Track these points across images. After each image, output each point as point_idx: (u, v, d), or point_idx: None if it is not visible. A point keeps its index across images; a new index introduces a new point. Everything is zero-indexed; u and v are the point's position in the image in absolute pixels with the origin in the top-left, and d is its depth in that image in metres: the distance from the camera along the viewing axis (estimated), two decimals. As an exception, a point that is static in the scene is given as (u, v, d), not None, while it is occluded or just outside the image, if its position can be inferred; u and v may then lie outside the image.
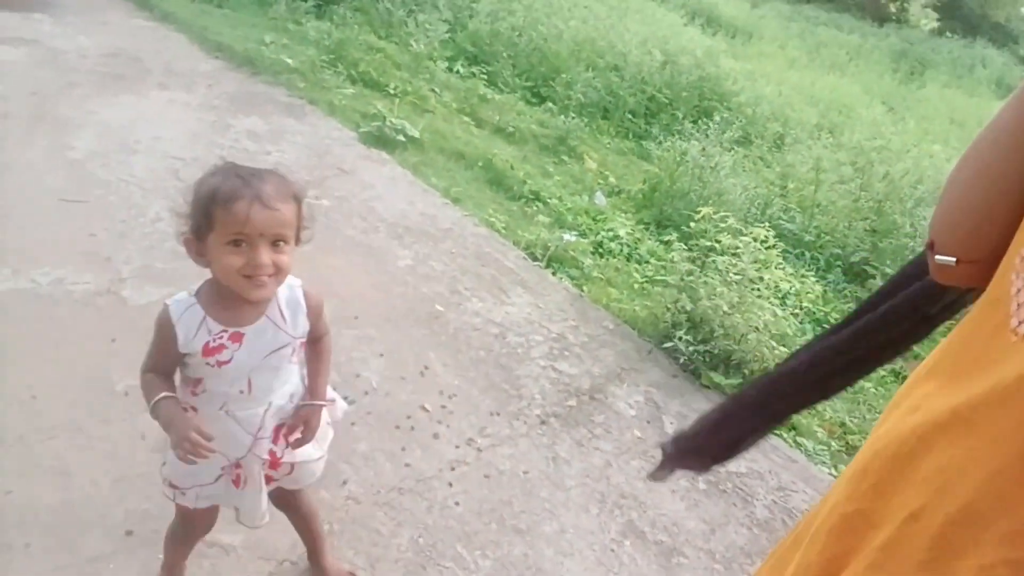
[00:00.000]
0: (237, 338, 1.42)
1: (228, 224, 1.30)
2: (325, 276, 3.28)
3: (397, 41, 7.31)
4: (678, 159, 5.27)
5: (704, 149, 5.13)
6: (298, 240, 1.42)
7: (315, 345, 1.61)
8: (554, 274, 3.82)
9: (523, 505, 2.39)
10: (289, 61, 5.61)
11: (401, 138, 4.83)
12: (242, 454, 1.54)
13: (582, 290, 3.73)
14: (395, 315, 3.15)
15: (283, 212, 1.33)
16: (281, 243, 1.35)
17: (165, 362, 1.45)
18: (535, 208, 4.64)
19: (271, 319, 1.46)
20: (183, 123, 4.39)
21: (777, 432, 3.05)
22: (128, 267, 3.03)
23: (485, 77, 7.25)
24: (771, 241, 3.47)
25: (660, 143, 6.88)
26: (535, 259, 3.88)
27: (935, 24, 25.02)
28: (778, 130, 8.21)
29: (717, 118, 6.78)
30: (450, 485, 2.39)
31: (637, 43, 9.25)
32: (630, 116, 8.08)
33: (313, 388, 1.62)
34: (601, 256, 4.33)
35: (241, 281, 1.34)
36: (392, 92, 5.77)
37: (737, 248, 3.37)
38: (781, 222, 5.33)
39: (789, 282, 3.39)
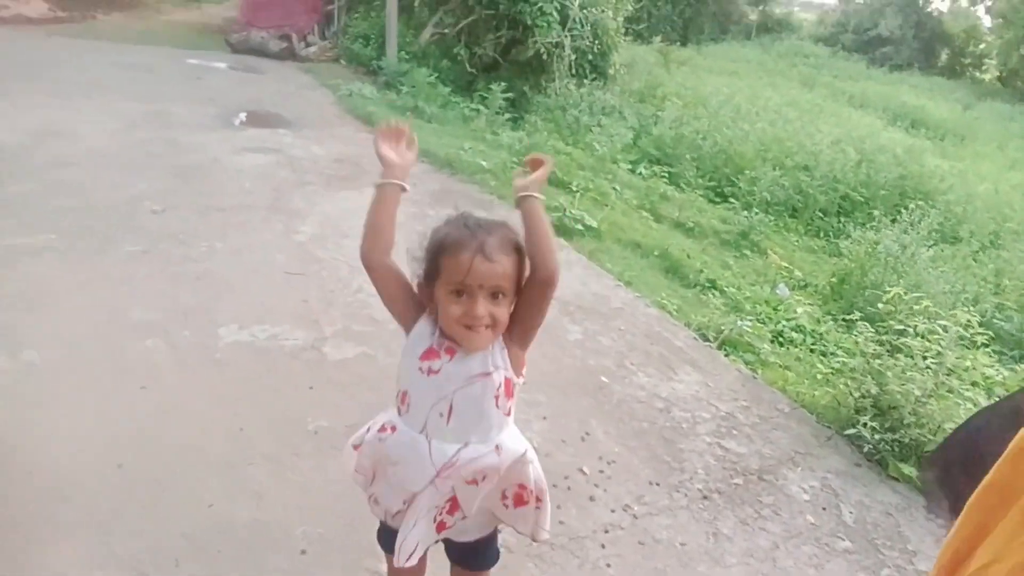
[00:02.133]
0: (451, 352, 1.45)
1: (451, 273, 1.36)
2: (498, 345, 3.46)
3: (582, 146, 7.76)
4: (870, 249, 4.99)
5: (898, 238, 4.82)
6: (519, 291, 1.42)
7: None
8: (727, 356, 3.72)
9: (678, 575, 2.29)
10: (483, 163, 6.16)
11: (579, 227, 5.06)
12: (419, 488, 1.49)
13: (756, 373, 3.59)
14: (562, 383, 3.23)
15: (502, 265, 1.35)
16: (500, 295, 1.37)
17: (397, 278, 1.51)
18: (711, 295, 4.60)
19: (487, 354, 1.47)
20: (388, 214, 4.95)
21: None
22: (331, 328, 3.43)
23: (666, 177, 7.42)
24: (976, 327, 3.16)
25: (852, 241, 6.57)
26: (707, 340, 3.82)
27: None
28: (993, 228, 7.49)
29: (914, 206, 6.34)
30: (603, 547, 2.36)
31: (829, 143, 9.03)
32: (820, 214, 7.82)
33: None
34: (781, 344, 4.16)
35: (460, 330, 1.39)
36: (574, 189, 6.09)
37: (934, 332, 3.11)
38: (995, 320, 4.80)
39: (996, 369, 3.04)
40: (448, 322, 1.40)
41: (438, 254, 1.39)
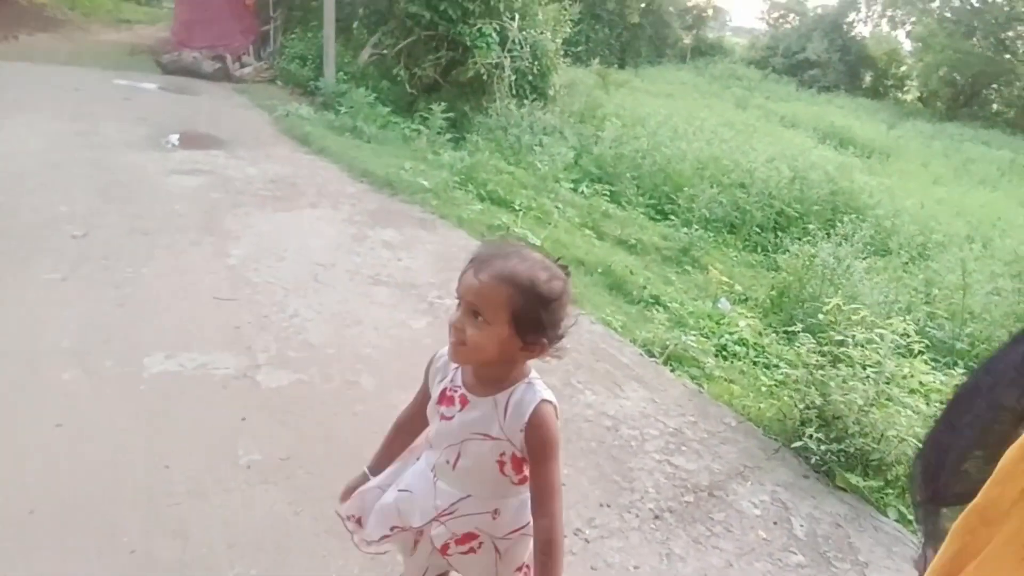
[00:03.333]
0: (464, 402, 1.42)
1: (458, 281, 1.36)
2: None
3: (524, 166, 7.76)
4: (807, 262, 5.08)
5: (834, 251, 4.92)
6: (525, 335, 1.32)
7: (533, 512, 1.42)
8: (672, 371, 3.70)
9: (632, 601, 2.22)
10: (424, 183, 6.07)
11: (523, 246, 5.01)
12: (417, 524, 1.48)
13: (701, 387, 3.58)
14: (507, 405, 3.14)
15: (485, 286, 1.29)
16: (478, 316, 1.31)
17: (422, 400, 1.54)
18: (654, 311, 4.59)
19: (496, 403, 1.39)
20: (327, 235, 4.81)
21: (929, 544, 2.69)
22: (264, 354, 3.26)
23: (608, 195, 7.47)
24: (912, 335, 3.21)
25: (788, 253, 6.71)
26: (652, 356, 3.80)
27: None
28: (921, 241, 7.77)
29: (847, 220, 6.53)
30: (554, 574, 2.27)
31: (763, 161, 9.27)
32: (757, 230, 7.98)
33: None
34: (724, 358, 4.17)
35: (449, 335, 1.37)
36: (517, 208, 6.06)
37: (872, 342, 3.14)
38: (928, 328, 4.93)
39: (933, 376, 3.09)
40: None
41: None
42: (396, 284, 4.20)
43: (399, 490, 1.53)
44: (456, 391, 1.43)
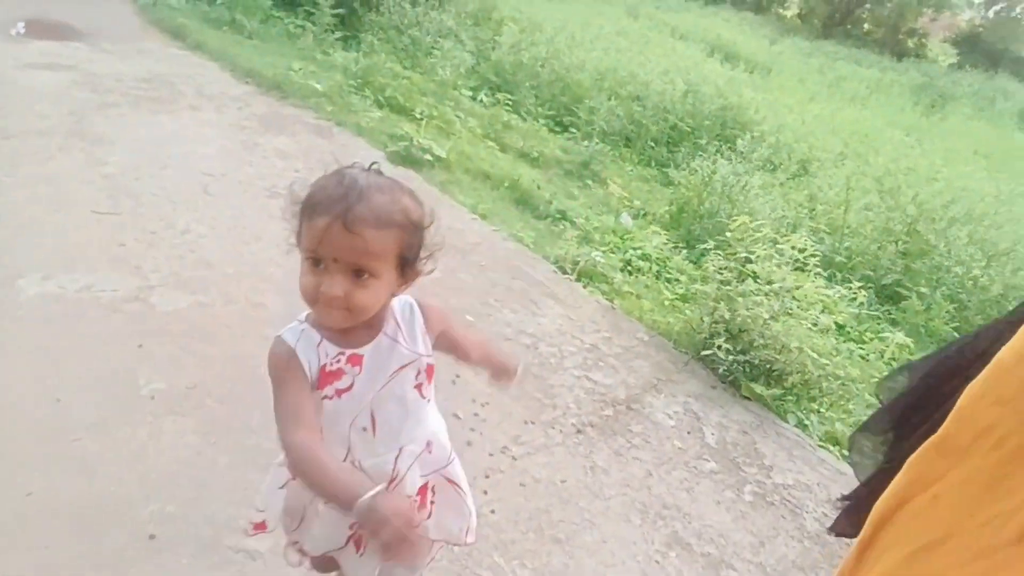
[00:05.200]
0: (356, 361, 1.21)
1: (308, 239, 1.12)
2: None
3: (422, 70, 7.40)
4: (706, 179, 5.21)
5: (734, 169, 5.06)
6: (405, 271, 1.19)
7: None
8: (584, 287, 3.74)
9: (561, 514, 2.28)
10: (317, 86, 5.67)
11: (428, 158, 4.83)
12: None
13: (613, 303, 3.65)
14: (425, 324, 3.08)
15: (368, 239, 1.09)
16: (365, 275, 1.12)
17: (307, 407, 1.17)
18: (562, 226, 4.59)
19: (388, 335, 1.24)
20: (214, 141, 4.41)
21: (823, 445, 2.93)
22: (157, 275, 3.00)
23: (509, 105, 7.29)
24: (810, 251, 3.38)
25: (683, 169, 6.86)
26: (565, 273, 3.82)
27: (955, 59, 25.06)
28: (803, 156, 8.15)
29: (742, 142, 6.73)
30: (485, 493, 2.29)
31: (659, 73, 9.30)
32: (652, 144, 8.08)
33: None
34: (630, 273, 4.26)
35: (312, 304, 1.16)
36: (418, 116, 5.80)
37: (774, 256, 3.28)
38: (812, 243, 5.23)
39: (827, 294, 3.28)
40: (303, 293, 1.15)
41: (301, 214, 1.13)
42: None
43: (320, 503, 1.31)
44: (339, 359, 1.20)
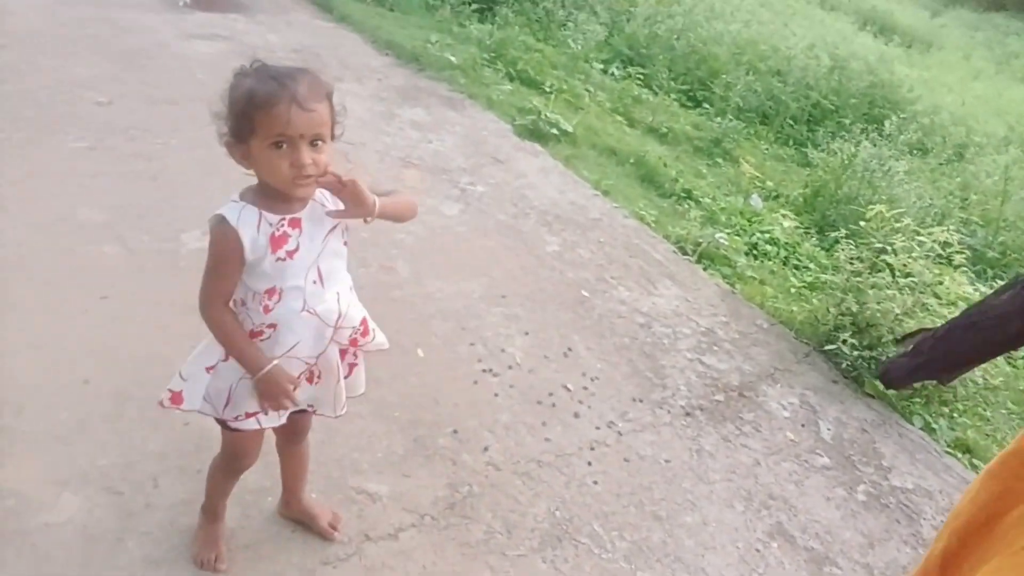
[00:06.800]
0: (296, 224, 1.44)
1: (269, 127, 1.32)
2: (477, 256, 3.36)
3: (554, 43, 7.39)
4: (846, 162, 4.94)
5: (878, 152, 4.76)
6: (332, 136, 1.42)
7: None
8: (705, 270, 3.69)
9: (663, 493, 2.31)
10: (452, 59, 5.81)
11: (555, 132, 4.87)
12: (323, 347, 1.56)
13: (734, 288, 3.58)
14: (542, 297, 3.16)
15: (319, 113, 1.34)
16: (319, 142, 1.36)
17: (232, 277, 1.45)
18: (687, 206, 4.52)
19: (317, 201, 1.48)
20: (354, 112, 4.59)
21: (951, 451, 2.77)
22: (299, 235, 3.25)
23: (640, 79, 7.16)
24: (955, 245, 3.16)
25: (823, 150, 6.51)
26: (685, 253, 3.78)
27: None
28: (959, 140, 7.51)
29: (889, 123, 6.29)
30: (589, 464, 2.36)
31: (803, 47, 8.80)
32: (791, 122, 7.70)
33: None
34: (755, 257, 4.14)
35: (288, 182, 1.36)
36: (547, 90, 5.83)
37: (913, 250, 3.10)
38: (961, 235, 4.86)
39: (970, 292, 3.07)
40: (274, 175, 1.37)
41: (249, 109, 1.33)
42: (427, 168, 4.11)
43: (285, 352, 1.51)
44: (282, 224, 1.42)
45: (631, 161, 4.99)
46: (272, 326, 1.50)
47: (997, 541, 0.73)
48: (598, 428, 2.51)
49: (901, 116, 6.82)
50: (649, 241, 3.81)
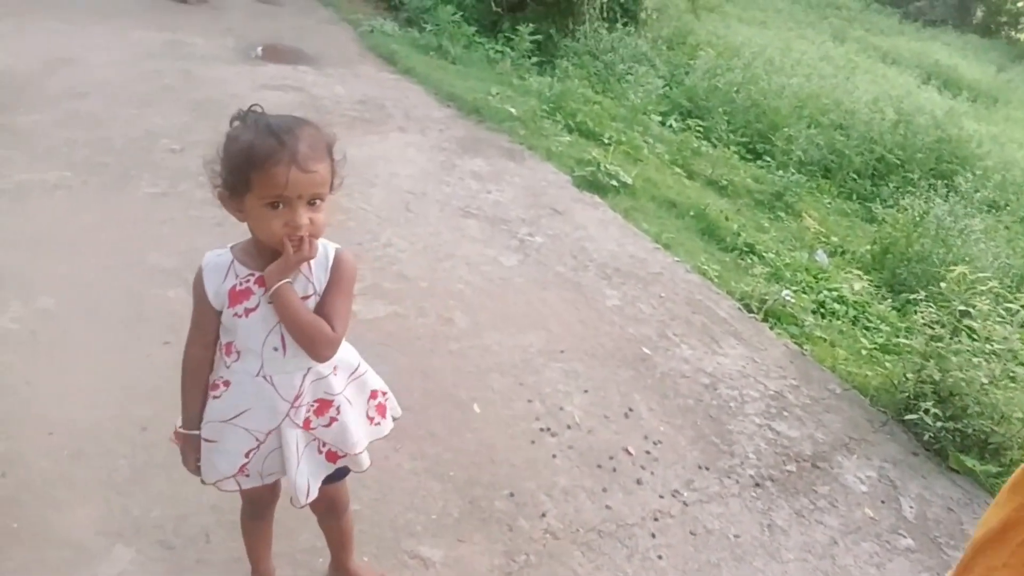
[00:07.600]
0: (263, 282, 1.36)
1: (266, 187, 1.26)
2: (536, 308, 3.30)
3: (613, 96, 7.43)
4: (917, 219, 4.76)
5: (951, 209, 4.58)
6: (332, 189, 1.36)
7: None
8: (771, 328, 3.55)
9: (733, 571, 2.17)
10: (512, 111, 5.87)
11: (614, 183, 4.83)
12: (275, 424, 1.45)
13: (803, 348, 3.43)
14: (601, 353, 3.07)
15: (319, 173, 1.29)
16: (317, 201, 1.31)
17: (204, 323, 1.44)
18: (750, 260, 4.39)
19: (299, 269, 1.39)
20: (416, 162, 4.71)
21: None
22: (360, 284, 3.23)
23: (699, 131, 7.11)
24: (1043, 311, 2.97)
25: (889, 205, 6.32)
26: (750, 311, 3.65)
27: None
28: (1036, 198, 7.22)
29: (962, 180, 6.07)
30: (653, 536, 2.23)
31: (867, 101, 8.67)
32: (855, 176, 7.53)
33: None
34: (823, 316, 3.98)
35: (284, 242, 1.30)
36: (606, 141, 5.83)
37: (999, 315, 2.92)
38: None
39: (1067, 359, 2.87)
40: (269, 235, 1.32)
41: (246, 167, 1.27)
42: (486, 218, 4.10)
43: (233, 418, 1.45)
44: (248, 280, 1.38)
45: (691, 214, 4.91)
46: (227, 383, 1.46)
47: (1005, 548, 0.75)
48: (662, 497, 2.38)
49: (974, 172, 6.58)
50: (712, 297, 3.70)
